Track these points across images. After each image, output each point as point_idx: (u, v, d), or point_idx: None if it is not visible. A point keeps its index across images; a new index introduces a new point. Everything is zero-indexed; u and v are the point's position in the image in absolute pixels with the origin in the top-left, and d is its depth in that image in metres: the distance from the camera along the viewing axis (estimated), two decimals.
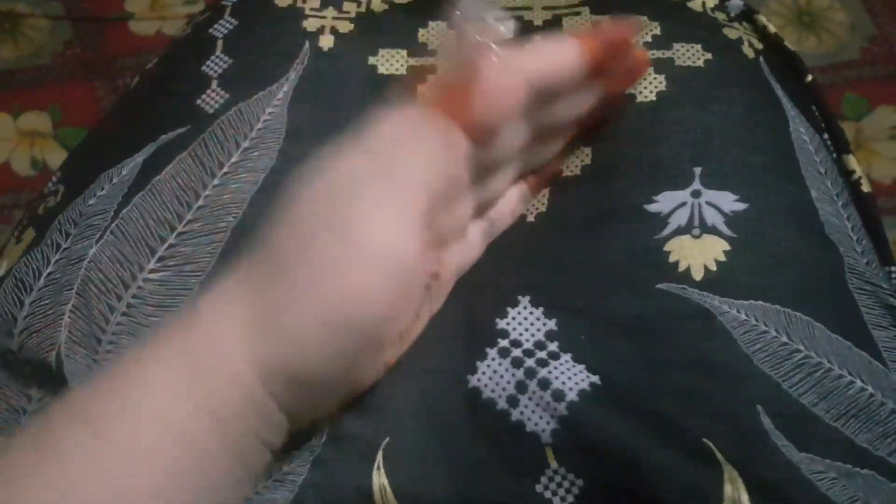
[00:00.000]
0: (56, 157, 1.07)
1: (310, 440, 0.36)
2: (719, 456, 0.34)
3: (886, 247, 0.43)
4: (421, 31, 0.45)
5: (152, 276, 0.38)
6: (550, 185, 0.41)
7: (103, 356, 0.37)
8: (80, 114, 1.09)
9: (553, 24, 0.45)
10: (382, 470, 0.35)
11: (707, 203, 0.39)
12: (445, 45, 0.45)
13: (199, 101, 0.42)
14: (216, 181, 0.40)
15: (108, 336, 0.37)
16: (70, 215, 0.40)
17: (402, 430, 0.36)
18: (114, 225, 0.39)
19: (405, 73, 0.44)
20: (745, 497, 0.33)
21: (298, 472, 0.35)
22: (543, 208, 0.40)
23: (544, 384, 0.36)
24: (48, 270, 0.39)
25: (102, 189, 0.40)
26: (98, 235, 0.39)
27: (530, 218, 0.40)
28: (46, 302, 0.38)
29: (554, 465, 0.35)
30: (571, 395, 0.35)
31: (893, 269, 0.44)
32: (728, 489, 0.33)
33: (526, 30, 0.44)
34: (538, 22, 0.45)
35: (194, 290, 0.38)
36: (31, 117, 1.08)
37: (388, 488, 0.35)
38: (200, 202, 0.39)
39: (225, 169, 0.40)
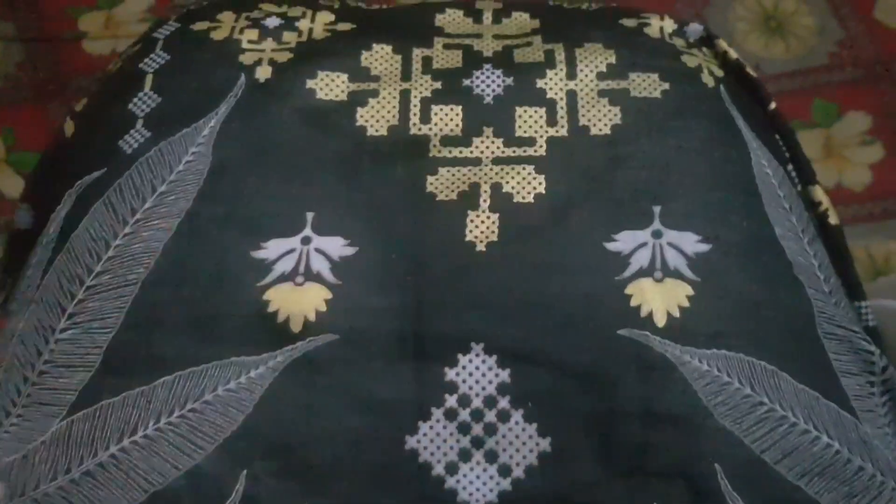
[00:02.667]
0: (10, 182, 1.03)
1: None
2: None
3: (856, 282, 0.42)
4: (364, 55, 0.43)
5: (63, 335, 0.36)
6: (500, 210, 0.39)
7: (6, 430, 0.35)
8: (33, 138, 1.05)
9: (504, 56, 0.43)
10: None
11: (669, 244, 0.37)
12: (390, 72, 0.43)
13: (120, 142, 0.40)
14: (127, 229, 0.38)
15: (17, 409, 0.35)
16: (14, 293, 0.39)
17: (324, 493, 0.34)
18: (37, 295, 0.37)
19: (346, 98, 0.42)
20: None
21: None
22: (494, 237, 0.38)
23: (491, 457, 0.34)
24: None
25: (35, 255, 0.39)
26: (27, 309, 0.37)
27: (480, 247, 0.38)
28: None
29: None
30: (518, 472, 0.34)
31: (863, 304, 0.42)
32: None
33: (476, 62, 0.42)
34: (488, 52, 0.43)
35: (103, 349, 0.36)
36: None
37: None
38: (110, 252, 0.37)
39: (137, 216, 0.38)
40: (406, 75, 0.43)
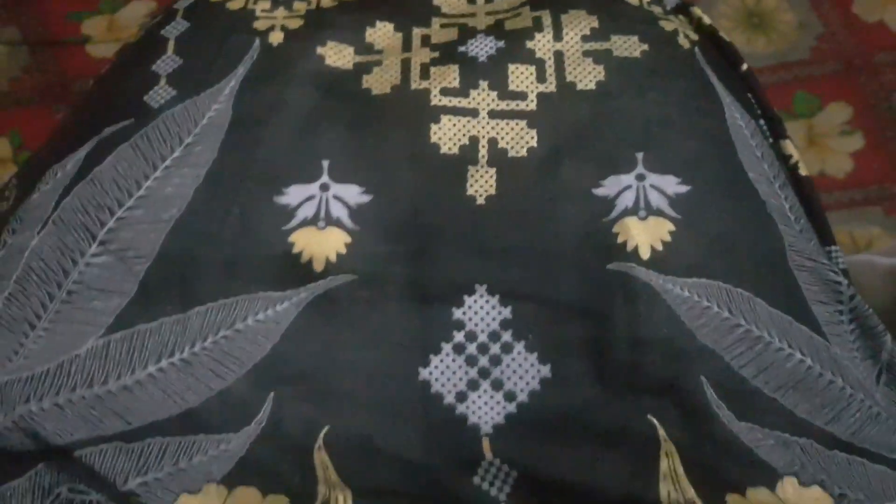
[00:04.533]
0: None
1: (247, 424, 0.37)
2: (661, 432, 0.35)
3: (826, 227, 0.45)
4: (368, 31, 0.46)
5: (94, 260, 0.39)
6: (497, 166, 0.42)
7: (33, 340, 0.37)
8: (40, 138, 1.06)
9: (496, 28, 0.46)
10: (324, 451, 0.36)
11: (651, 186, 0.40)
12: (391, 46, 0.46)
13: (146, 98, 0.43)
14: (158, 173, 0.41)
15: (43, 323, 0.38)
16: (18, 213, 0.41)
17: (344, 418, 0.37)
18: (55, 215, 0.40)
19: (351, 68, 0.45)
20: (680, 469, 0.34)
21: (236, 451, 0.37)
22: (493, 190, 0.41)
23: (497, 385, 0.37)
24: None
25: (47, 184, 0.41)
26: (39, 227, 0.40)
27: (480, 200, 0.41)
28: None
29: (489, 456, 0.37)
30: (522, 397, 0.37)
31: (834, 248, 0.45)
32: (664, 464, 0.35)
33: (470, 34, 0.46)
34: (481, 27, 0.46)
35: (139, 277, 0.38)
36: None
37: (330, 466, 0.36)
38: (142, 192, 0.40)
39: (167, 163, 0.41)
40: (406, 48, 0.46)
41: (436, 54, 0.45)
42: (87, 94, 0.48)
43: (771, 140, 0.45)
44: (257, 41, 0.45)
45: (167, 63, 0.44)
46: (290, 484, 0.36)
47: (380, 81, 0.44)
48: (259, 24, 0.45)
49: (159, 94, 0.43)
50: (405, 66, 0.45)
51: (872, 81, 1.10)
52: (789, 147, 0.45)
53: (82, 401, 0.36)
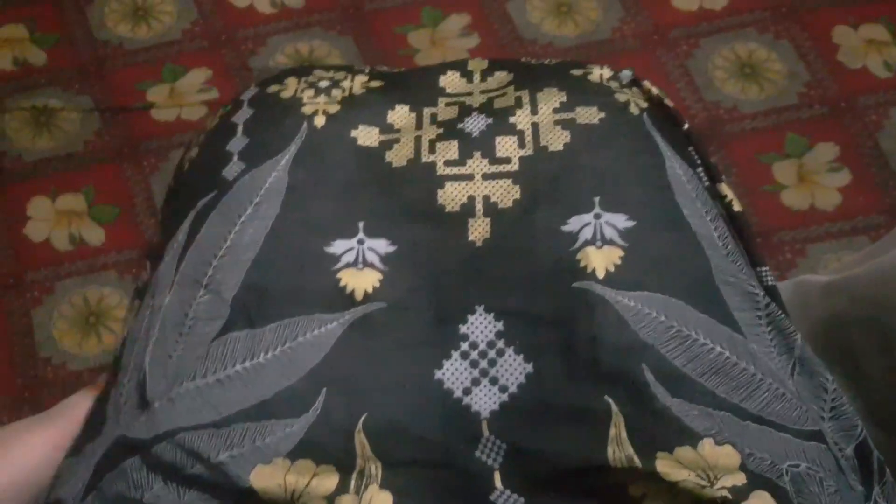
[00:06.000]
0: (92, 232, 1.16)
1: (306, 411, 0.47)
2: (614, 407, 0.46)
3: (756, 251, 0.55)
4: (389, 113, 0.59)
5: (201, 300, 0.51)
6: (490, 216, 0.54)
7: (170, 369, 0.49)
8: (111, 193, 1.18)
9: (487, 105, 0.58)
10: (363, 433, 0.47)
11: (606, 222, 0.51)
12: (407, 125, 0.58)
13: (223, 172, 0.55)
14: (237, 227, 0.53)
15: (175, 355, 0.50)
16: (153, 281, 0.54)
17: (378, 408, 0.48)
18: (176, 277, 0.52)
19: (377, 145, 0.57)
20: (624, 434, 0.45)
21: (297, 433, 0.47)
22: (488, 235, 0.53)
23: (493, 381, 0.48)
24: (144, 325, 0.52)
25: (168, 255, 0.54)
26: (168, 289, 0.52)
27: (478, 243, 0.53)
28: (142, 344, 0.51)
29: (487, 434, 0.48)
30: (512, 389, 0.48)
31: (764, 269, 0.55)
32: (612, 430, 0.45)
33: (467, 112, 0.58)
34: (476, 105, 0.58)
35: (229, 303, 0.51)
36: (67, 198, 1.17)
37: (367, 445, 0.47)
38: (227, 243, 0.52)
39: (243, 218, 0.53)
40: (419, 126, 0.58)
41: (440, 131, 0.57)
42: (183, 175, 0.60)
43: (707, 183, 0.56)
44: (305, 123, 0.57)
45: (237, 143, 0.56)
46: (336, 458, 0.46)
47: (398, 155, 0.56)
48: (306, 109, 0.58)
49: (233, 168, 0.55)
50: (417, 142, 0.57)
51: (857, 122, 1.17)
52: (724, 188, 0.56)
53: (187, 392, 0.48)
